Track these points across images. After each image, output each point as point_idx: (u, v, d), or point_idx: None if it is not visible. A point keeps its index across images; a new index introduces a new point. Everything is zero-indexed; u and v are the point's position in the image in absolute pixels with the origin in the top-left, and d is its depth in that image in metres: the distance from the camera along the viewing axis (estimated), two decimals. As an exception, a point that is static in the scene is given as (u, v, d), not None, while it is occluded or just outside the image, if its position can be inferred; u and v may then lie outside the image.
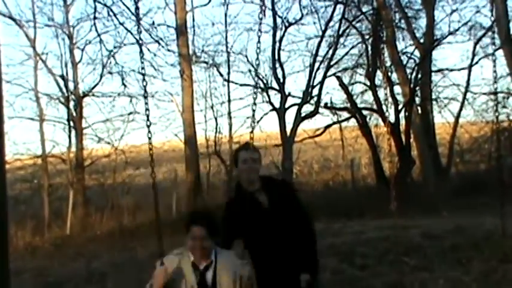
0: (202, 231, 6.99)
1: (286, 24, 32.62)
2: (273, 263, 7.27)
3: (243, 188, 7.74)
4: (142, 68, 6.74)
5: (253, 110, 9.44)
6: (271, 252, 7.30)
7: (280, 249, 7.45)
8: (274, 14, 31.76)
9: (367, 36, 33.96)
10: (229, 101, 33.13)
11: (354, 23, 33.53)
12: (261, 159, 7.97)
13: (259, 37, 8.51)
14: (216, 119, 33.13)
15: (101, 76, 33.50)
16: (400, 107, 34.05)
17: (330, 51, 32.87)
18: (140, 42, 7.58)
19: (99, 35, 32.47)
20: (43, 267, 19.16)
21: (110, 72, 33.45)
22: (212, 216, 7.16)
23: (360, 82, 35.07)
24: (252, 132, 8.06)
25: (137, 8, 6.50)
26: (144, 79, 7.11)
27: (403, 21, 34.25)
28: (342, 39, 33.43)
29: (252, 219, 7.39)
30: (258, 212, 7.45)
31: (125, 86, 32.82)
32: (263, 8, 7.09)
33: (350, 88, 34.79)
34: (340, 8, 32.51)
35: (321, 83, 32.60)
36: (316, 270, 7.87)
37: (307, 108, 32.70)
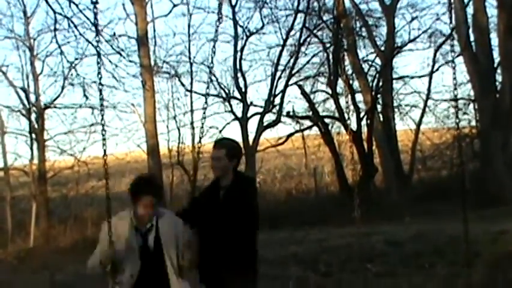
0: (153, 199, 7.25)
1: (248, 33, 32.70)
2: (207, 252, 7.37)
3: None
4: (100, 79, 6.79)
5: (204, 118, 9.54)
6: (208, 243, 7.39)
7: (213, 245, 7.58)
8: (235, 23, 31.81)
9: (328, 45, 34.08)
10: (191, 111, 33.10)
11: (315, 31, 33.66)
12: (229, 154, 8.01)
13: (214, 45, 8.60)
14: (178, 129, 33.10)
15: (63, 88, 33.37)
16: (361, 114, 34.25)
17: (292, 60, 32.97)
18: (100, 53, 7.58)
19: (59, 47, 32.33)
20: (6, 282, 19.12)
21: (72, 84, 33.32)
22: (158, 183, 7.32)
23: (321, 90, 35.22)
24: (199, 142, 8.17)
25: (96, 19, 6.48)
26: (101, 91, 7.17)
27: (363, 29, 34.44)
28: (303, 48, 33.56)
29: (207, 209, 7.51)
30: (212, 206, 7.56)
31: (87, 97, 32.74)
32: (220, 16, 7.13)
33: (312, 96, 34.92)
34: (301, 16, 32.66)
35: (283, 91, 32.71)
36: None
37: (270, 117, 32.85)
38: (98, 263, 7.25)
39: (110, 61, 29.31)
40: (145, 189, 7.22)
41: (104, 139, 7.49)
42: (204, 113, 9.73)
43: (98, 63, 6.97)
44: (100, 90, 7.27)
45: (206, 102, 10.80)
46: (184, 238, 7.31)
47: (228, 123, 33.31)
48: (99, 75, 6.99)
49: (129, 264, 7.06)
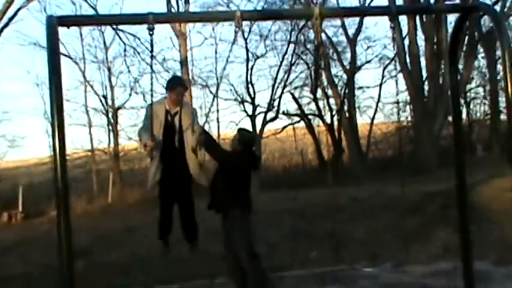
0: (182, 90, 7.76)
1: (255, 57, 32.83)
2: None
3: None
4: (151, 90, 6.89)
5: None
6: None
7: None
8: (247, 50, 31.94)
9: (310, 65, 34.06)
10: (217, 110, 33.15)
11: (302, 56, 33.68)
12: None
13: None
14: (208, 123, 33.13)
15: (130, 95, 33.74)
16: (334, 113, 34.32)
17: (286, 75, 33.13)
18: (154, 71, 7.69)
19: (127, 67, 32.75)
20: (94, 225, 19.13)
21: (136, 92, 33.73)
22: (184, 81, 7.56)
23: (306, 96, 35.15)
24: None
25: (152, 48, 6.46)
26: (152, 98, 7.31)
27: (334, 54, 34.27)
28: (293, 67, 33.68)
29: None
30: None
31: (146, 101, 33.25)
32: (235, 41, 7.17)
33: (300, 100, 34.92)
34: (292, 46, 32.72)
35: (280, 97, 33.05)
36: None
37: (271, 114, 32.92)
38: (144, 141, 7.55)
39: (162, 77, 29.38)
40: (180, 83, 7.39)
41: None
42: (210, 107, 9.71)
43: (151, 78, 6.99)
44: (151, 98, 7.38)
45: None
46: (196, 123, 7.69)
47: (242, 119, 33.52)
48: (151, 86, 7.02)
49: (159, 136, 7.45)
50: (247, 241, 7.49)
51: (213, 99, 33.90)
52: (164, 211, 7.97)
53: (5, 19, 25.83)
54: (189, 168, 7.64)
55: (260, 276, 7.52)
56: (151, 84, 6.94)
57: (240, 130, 8.14)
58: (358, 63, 34.91)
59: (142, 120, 8.13)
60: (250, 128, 31.56)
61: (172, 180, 7.68)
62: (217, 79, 33.16)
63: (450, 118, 22.34)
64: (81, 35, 33.22)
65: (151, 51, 6.80)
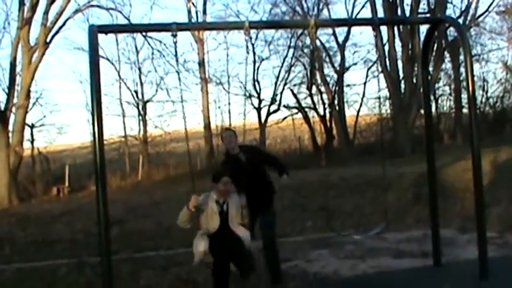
0: (228, 179, 6.78)
1: (261, 59, 32.90)
2: (251, 193, 7.06)
3: (229, 151, 7.57)
4: (181, 85, 6.82)
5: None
6: (250, 187, 7.08)
7: (254, 185, 7.26)
8: (254, 53, 31.98)
9: (307, 66, 33.97)
10: (229, 103, 33.30)
11: (299, 58, 33.64)
12: (236, 136, 7.55)
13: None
14: (221, 114, 33.18)
15: (156, 91, 33.82)
16: (326, 106, 34.20)
17: (286, 75, 33.13)
18: (178, 71, 7.60)
19: (154, 68, 33.03)
20: (127, 198, 19.15)
21: (161, 88, 33.90)
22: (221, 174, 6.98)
23: (303, 92, 35.01)
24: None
25: (176, 51, 6.44)
26: (182, 95, 7.19)
27: (327, 57, 34.18)
28: (293, 68, 33.64)
29: (235, 169, 7.18)
30: (239, 165, 7.27)
31: (169, 96, 33.64)
32: (248, 50, 6.92)
33: (298, 95, 34.81)
34: (291, 50, 32.73)
35: (281, 93, 33.04)
36: (287, 172, 7.79)
37: (273, 107, 32.95)
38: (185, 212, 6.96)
39: (183, 76, 29.56)
40: (223, 173, 6.94)
41: (184, 118, 7.41)
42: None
43: (179, 78, 6.96)
44: (181, 95, 7.27)
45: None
46: (243, 204, 6.89)
47: (249, 111, 33.49)
48: (179, 82, 6.97)
49: (211, 222, 6.72)
50: (275, 225, 7.55)
51: (225, 94, 33.80)
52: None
53: (55, 28, 25.88)
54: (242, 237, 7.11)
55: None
56: (179, 79, 6.88)
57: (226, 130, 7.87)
58: (347, 64, 34.71)
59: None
60: (255, 119, 31.73)
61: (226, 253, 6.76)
62: (228, 78, 33.12)
63: (422, 111, 22.28)
64: (116, 40, 33.33)
65: (175, 54, 6.76)
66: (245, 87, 33.21)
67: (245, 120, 9.50)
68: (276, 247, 7.52)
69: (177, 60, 7.22)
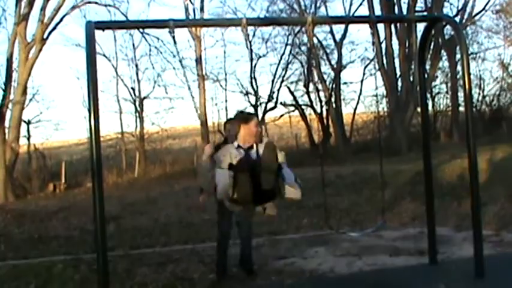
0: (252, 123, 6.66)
1: (258, 56, 32.84)
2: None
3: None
4: (187, 82, 6.80)
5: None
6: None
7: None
8: (251, 51, 31.86)
9: (304, 63, 33.97)
10: (226, 100, 33.30)
11: (297, 56, 33.61)
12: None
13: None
14: (218, 111, 33.10)
15: (153, 87, 33.84)
16: (323, 103, 34.25)
17: (283, 72, 33.13)
18: (175, 67, 7.58)
19: (152, 64, 32.88)
20: (123, 195, 19.16)
21: (158, 85, 33.88)
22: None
23: (300, 89, 35.01)
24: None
25: (176, 48, 6.50)
26: (189, 85, 7.13)
27: (324, 55, 34.17)
28: (290, 65, 33.63)
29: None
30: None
31: (167, 92, 33.48)
32: (248, 47, 6.85)
33: (295, 93, 34.83)
34: (289, 47, 32.70)
35: (278, 90, 32.98)
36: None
37: (270, 105, 32.97)
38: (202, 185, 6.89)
39: (180, 72, 29.58)
40: (251, 114, 6.72)
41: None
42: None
43: (175, 74, 6.97)
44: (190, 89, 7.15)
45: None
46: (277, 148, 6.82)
47: (246, 108, 33.41)
48: (185, 77, 6.96)
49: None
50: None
51: (222, 91, 33.77)
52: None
53: (52, 24, 25.85)
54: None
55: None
56: (185, 76, 6.79)
57: (239, 114, 7.49)
58: (344, 62, 34.69)
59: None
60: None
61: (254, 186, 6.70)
62: (225, 75, 33.09)
63: (419, 109, 22.30)
64: (114, 37, 33.34)
65: (174, 51, 6.74)
66: (241, 84, 33.17)
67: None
68: (251, 240, 7.60)
69: (174, 56, 7.11)
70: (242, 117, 6.84)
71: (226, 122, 7.76)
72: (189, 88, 32.54)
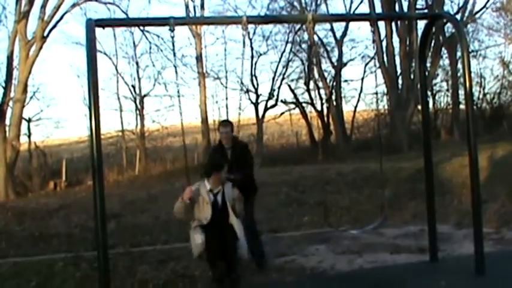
0: (220, 174, 6.78)
1: (259, 54, 32.83)
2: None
3: (222, 143, 7.69)
4: (177, 80, 6.94)
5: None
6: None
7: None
8: (252, 48, 31.97)
9: (304, 61, 33.99)
10: (226, 98, 33.27)
11: (297, 53, 33.61)
12: (232, 128, 7.72)
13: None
14: (219, 109, 33.15)
15: (154, 85, 33.87)
16: (323, 101, 34.29)
17: (284, 70, 33.13)
18: (175, 65, 7.59)
19: (152, 62, 33.03)
20: (124, 193, 19.15)
21: (159, 83, 33.95)
22: (222, 164, 7.00)
23: (301, 87, 35.01)
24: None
25: (174, 46, 6.54)
26: (178, 90, 7.24)
27: (325, 52, 34.17)
28: (290, 63, 33.63)
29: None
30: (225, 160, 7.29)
31: (167, 90, 33.50)
32: (245, 44, 6.88)
33: (295, 90, 34.83)
34: (289, 45, 32.70)
35: (279, 88, 33.01)
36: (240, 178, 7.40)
37: (271, 102, 32.97)
38: (179, 204, 6.94)
39: (181, 70, 29.50)
40: (218, 166, 6.92)
41: (180, 113, 7.46)
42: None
43: (176, 72, 7.03)
44: (178, 90, 7.31)
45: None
46: (236, 196, 6.87)
47: (247, 106, 33.44)
48: (176, 76, 7.06)
49: (203, 212, 6.67)
50: (252, 212, 7.61)
51: (223, 89, 33.74)
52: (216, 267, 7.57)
53: (53, 22, 25.84)
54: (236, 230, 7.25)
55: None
56: (177, 74, 6.99)
57: (223, 122, 8.01)
58: (344, 60, 34.74)
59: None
60: (252, 115, 31.76)
61: (219, 240, 6.90)
62: (226, 72, 33.07)
63: (419, 107, 22.32)
64: (114, 35, 33.29)
65: (173, 49, 6.84)
66: (242, 82, 33.09)
67: (240, 115, 9.42)
68: (258, 235, 7.77)
69: (174, 54, 7.16)
70: (215, 165, 6.97)
71: (219, 124, 7.94)
72: (178, 87, 31.96)
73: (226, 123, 7.87)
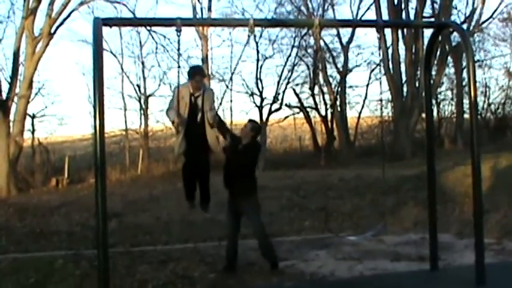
0: (202, 78, 7.65)
1: (264, 58, 32.73)
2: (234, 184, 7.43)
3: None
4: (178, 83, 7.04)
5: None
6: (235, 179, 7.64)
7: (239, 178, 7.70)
8: (258, 52, 31.87)
9: (310, 66, 33.94)
10: (231, 101, 33.21)
11: (303, 58, 33.57)
12: (256, 131, 8.08)
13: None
14: (223, 111, 33.02)
15: (159, 85, 33.93)
16: (328, 107, 34.25)
17: (289, 74, 33.04)
18: (180, 66, 7.56)
19: (158, 62, 32.87)
20: (126, 192, 19.15)
21: (164, 83, 33.92)
22: (204, 70, 7.48)
23: (305, 92, 34.95)
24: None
25: (179, 47, 6.50)
26: (178, 90, 7.30)
27: (330, 58, 34.15)
28: (296, 67, 33.49)
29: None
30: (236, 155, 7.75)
31: (172, 91, 33.38)
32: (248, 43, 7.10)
33: (300, 95, 34.75)
34: (295, 49, 32.62)
35: (283, 92, 32.83)
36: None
37: (275, 106, 32.86)
38: (172, 118, 7.56)
39: (186, 71, 29.47)
40: (199, 71, 7.35)
41: (178, 116, 7.58)
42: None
43: (178, 72, 7.03)
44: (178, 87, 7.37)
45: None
46: (213, 105, 7.67)
47: (251, 109, 33.39)
48: (178, 79, 7.10)
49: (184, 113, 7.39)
50: (261, 221, 7.73)
51: (227, 91, 33.71)
52: (188, 176, 7.91)
53: (60, 19, 25.88)
54: (208, 141, 7.59)
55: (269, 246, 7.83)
56: (178, 77, 7.06)
57: (251, 120, 8.25)
58: (350, 66, 34.65)
59: (169, 101, 8.11)
60: (257, 118, 31.66)
61: (195, 151, 7.59)
62: (231, 74, 33.03)
63: (423, 115, 22.30)
64: (120, 34, 33.21)
65: (178, 50, 6.86)
66: (246, 85, 33.09)
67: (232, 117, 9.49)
68: (268, 240, 7.86)
69: (179, 55, 7.15)
70: (191, 72, 7.82)
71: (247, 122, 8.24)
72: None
73: (256, 125, 8.24)
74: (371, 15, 32.21)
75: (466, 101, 31.53)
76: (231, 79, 32.81)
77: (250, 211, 7.63)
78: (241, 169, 7.65)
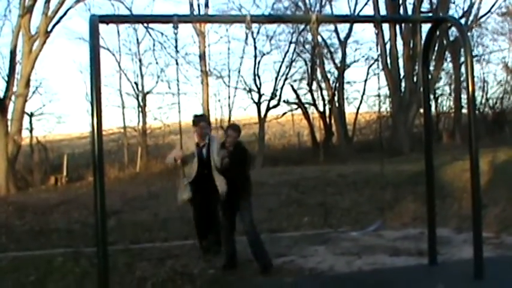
0: (205, 124, 7.88)
1: (262, 54, 32.71)
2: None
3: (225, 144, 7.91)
4: (178, 80, 7.00)
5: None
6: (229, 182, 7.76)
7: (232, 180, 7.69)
8: (255, 48, 31.81)
9: (308, 62, 33.92)
10: (229, 97, 33.15)
11: (301, 54, 33.56)
12: (239, 134, 7.93)
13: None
14: (221, 107, 32.96)
15: (157, 82, 33.78)
16: (326, 102, 34.23)
17: (287, 70, 33.01)
18: (178, 63, 7.61)
19: (156, 60, 32.81)
20: (124, 190, 19.15)
21: (162, 80, 33.78)
22: (207, 117, 7.52)
23: (303, 88, 34.96)
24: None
25: (177, 44, 6.50)
26: (178, 87, 7.33)
27: (328, 53, 34.13)
28: (293, 63, 33.45)
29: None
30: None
31: (170, 88, 33.38)
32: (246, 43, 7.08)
33: (298, 91, 34.76)
34: (293, 45, 32.59)
35: (281, 88, 32.81)
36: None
37: (273, 102, 32.84)
38: (172, 159, 7.87)
39: (184, 68, 29.48)
40: (202, 119, 7.39)
41: (179, 112, 7.58)
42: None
43: (177, 70, 7.08)
44: (178, 87, 7.43)
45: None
46: (220, 153, 7.68)
47: (249, 105, 33.39)
48: (177, 77, 7.12)
49: (192, 165, 7.52)
50: (252, 219, 7.65)
51: (225, 88, 33.63)
52: (199, 222, 8.38)
53: (57, 17, 25.86)
54: (218, 187, 7.68)
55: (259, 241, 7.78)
56: (177, 74, 7.10)
57: (230, 126, 8.48)
58: (348, 61, 34.68)
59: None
60: (255, 115, 31.71)
61: (203, 198, 7.93)
62: (229, 71, 33.00)
63: (422, 110, 22.36)
64: (118, 31, 33.12)
65: (176, 47, 6.85)
66: (244, 81, 33.02)
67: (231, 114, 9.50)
68: (259, 239, 7.79)
69: (177, 52, 7.13)
70: (195, 119, 8.14)
71: (227, 127, 8.38)
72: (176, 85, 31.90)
73: (236, 127, 8.07)
74: (369, 10, 32.29)
75: (464, 96, 31.68)
76: (228, 75, 32.79)
77: (243, 208, 7.63)
78: (234, 174, 7.67)
